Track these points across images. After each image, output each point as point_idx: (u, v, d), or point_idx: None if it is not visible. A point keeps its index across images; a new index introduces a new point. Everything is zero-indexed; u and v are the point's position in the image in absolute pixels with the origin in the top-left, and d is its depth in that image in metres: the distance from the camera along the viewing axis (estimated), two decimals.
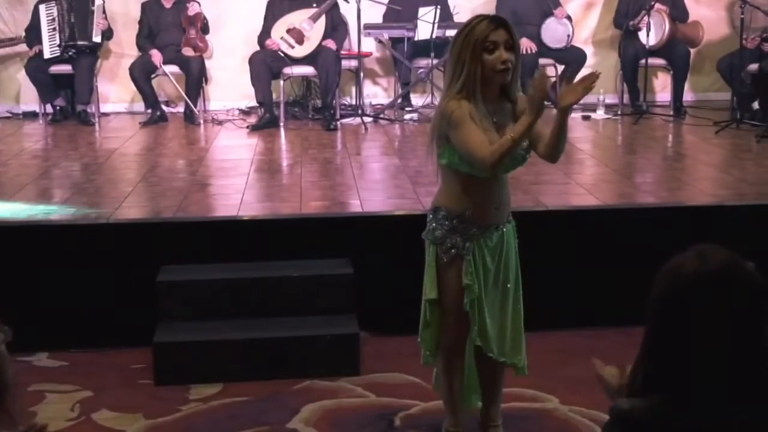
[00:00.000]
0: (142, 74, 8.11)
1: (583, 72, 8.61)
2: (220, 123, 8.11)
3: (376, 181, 6.03)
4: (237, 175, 6.05)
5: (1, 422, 1.74)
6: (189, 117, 8.21)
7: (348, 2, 8.01)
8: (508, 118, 3.26)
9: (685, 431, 1.86)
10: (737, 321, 1.84)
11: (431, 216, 3.37)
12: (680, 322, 1.87)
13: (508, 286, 3.41)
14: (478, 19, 3.19)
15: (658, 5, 8.14)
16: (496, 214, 3.32)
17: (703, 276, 1.85)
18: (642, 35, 8.13)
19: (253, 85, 7.95)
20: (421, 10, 8.11)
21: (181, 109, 8.48)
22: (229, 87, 8.64)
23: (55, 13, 8.18)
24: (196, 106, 8.19)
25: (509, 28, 3.16)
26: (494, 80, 3.17)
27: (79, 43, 8.18)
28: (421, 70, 8.30)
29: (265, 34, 8.10)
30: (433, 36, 7.99)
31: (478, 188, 3.27)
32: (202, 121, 8.17)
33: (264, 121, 7.88)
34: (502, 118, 3.24)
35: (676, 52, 8.31)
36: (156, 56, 8.10)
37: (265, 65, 7.93)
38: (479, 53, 3.12)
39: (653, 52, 8.18)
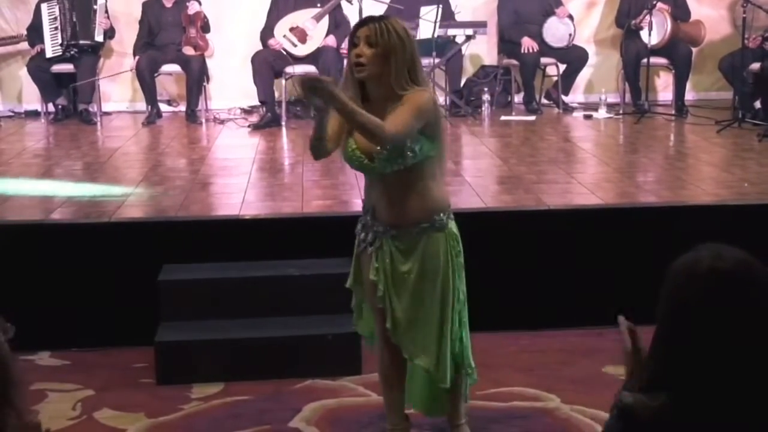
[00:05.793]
0: (148, 71, 8.09)
1: (585, 71, 8.63)
2: (222, 122, 8.10)
3: None
4: (239, 174, 6.05)
5: (8, 418, 1.74)
6: (190, 116, 8.21)
7: (351, 4, 7.98)
8: None
9: (687, 431, 1.86)
10: (750, 322, 1.83)
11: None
12: (691, 321, 1.85)
13: (427, 294, 3.29)
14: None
15: (660, 4, 8.13)
16: (393, 213, 3.24)
17: (717, 274, 1.83)
18: (644, 34, 8.12)
19: (255, 84, 7.95)
20: (423, 9, 8.10)
21: (183, 108, 8.48)
22: (231, 86, 8.62)
23: (57, 12, 8.18)
24: (197, 106, 8.19)
25: (376, 25, 3.12)
26: (355, 75, 3.15)
27: (81, 42, 8.18)
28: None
29: (267, 30, 8.09)
30: (435, 35, 7.99)
31: (371, 185, 3.29)
32: (203, 120, 8.17)
33: (266, 120, 7.87)
34: (384, 118, 3.12)
35: (678, 52, 8.30)
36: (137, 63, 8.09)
37: (267, 64, 7.93)
38: (350, 50, 3.18)
39: (655, 51, 8.16)
